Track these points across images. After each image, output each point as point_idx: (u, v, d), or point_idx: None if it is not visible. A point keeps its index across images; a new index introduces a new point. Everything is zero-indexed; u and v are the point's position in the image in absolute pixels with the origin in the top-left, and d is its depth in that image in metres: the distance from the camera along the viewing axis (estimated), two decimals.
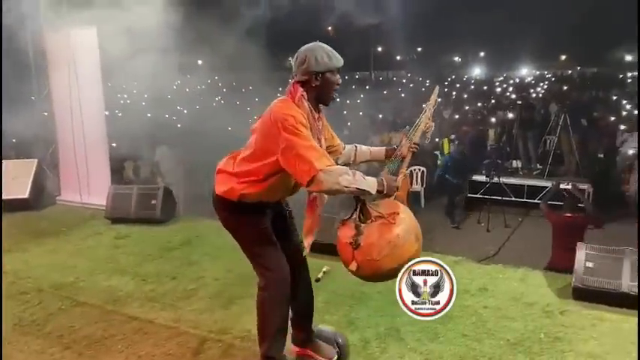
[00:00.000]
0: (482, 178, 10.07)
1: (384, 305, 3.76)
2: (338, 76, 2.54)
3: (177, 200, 7.01)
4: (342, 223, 2.58)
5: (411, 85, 24.08)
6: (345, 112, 14.35)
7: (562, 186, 7.16)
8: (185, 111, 15.02)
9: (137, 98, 12.00)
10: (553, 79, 26.42)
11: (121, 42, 6.38)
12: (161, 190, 6.43)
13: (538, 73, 30.56)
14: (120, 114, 11.55)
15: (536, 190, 9.60)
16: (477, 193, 10.13)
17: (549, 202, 6.32)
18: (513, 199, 9.87)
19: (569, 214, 5.85)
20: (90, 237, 5.83)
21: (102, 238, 5.80)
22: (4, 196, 6.71)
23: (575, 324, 3.58)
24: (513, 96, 17.19)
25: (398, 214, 2.43)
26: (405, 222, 2.44)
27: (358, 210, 2.51)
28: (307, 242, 2.70)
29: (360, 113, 14.24)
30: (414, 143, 2.78)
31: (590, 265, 3.93)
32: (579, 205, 6.10)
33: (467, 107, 15.55)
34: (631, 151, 10.23)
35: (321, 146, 2.46)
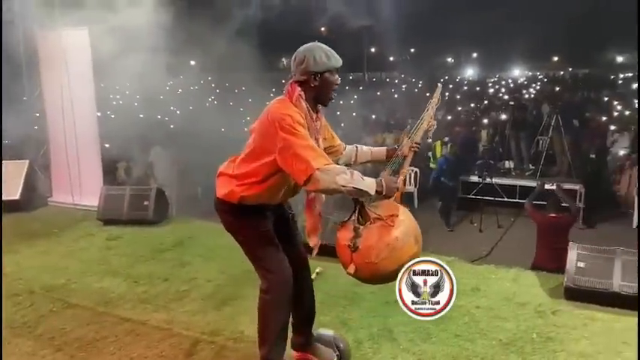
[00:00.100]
0: (475, 178, 10.11)
1: (377, 306, 3.74)
2: (337, 76, 2.53)
3: (170, 201, 6.99)
4: (341, 225, 2.57)
5: (404, 86, 24.18)
6: (338, 112, 14.33)
7: (547, 186, 7.21)
8: (178, 112, 14.95)
9: (129, 99, 11.93)
10: (545, 80, 26.68)
11: (113, 42, 6.37)
12: (153, 191, 6.39)
13: (530, 74, 30.86)
14: (112, 115, 11.50)
15: (529, 190, 9.51)
16: (469, 194, 10.17)
17: (535, 202, 6.35)
18: (506, 199, 9.94)
19: (553, 214, 5.90)
20: (82, 238, 5.78)
21: (94, 239, 5.76)
22: None
23: (567, 324, 3.59)
24: (506, 97, 17.33)
25: (397, 216, 2.40)
26: (404, 224, 2.43)
27: (357, 212, 2.49)
28: (312, 244, 2.70)
29: (354, 114, 14.22)
30: (416, 142, 2.75)
31: (581, 265, 3.95)
32: (563, 205, 6.15)
33: (460, 108, 15.60)
34: (622, 152, 10.32)
35: (318, 146, 2.45)
